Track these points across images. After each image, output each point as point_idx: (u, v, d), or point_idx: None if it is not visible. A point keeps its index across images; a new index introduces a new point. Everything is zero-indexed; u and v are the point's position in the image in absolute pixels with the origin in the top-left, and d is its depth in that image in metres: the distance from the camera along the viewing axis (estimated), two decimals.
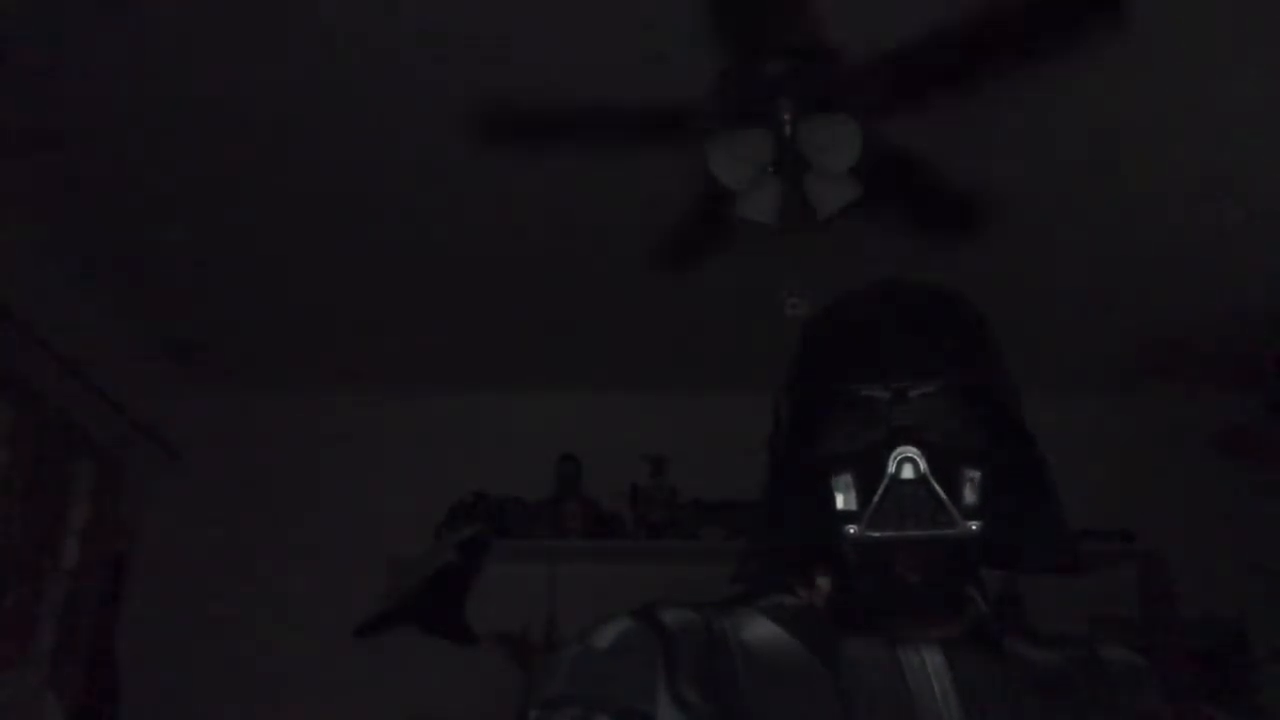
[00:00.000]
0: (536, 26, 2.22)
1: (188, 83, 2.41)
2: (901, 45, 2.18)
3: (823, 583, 0.97)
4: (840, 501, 0.91)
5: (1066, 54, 2.24)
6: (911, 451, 0.88)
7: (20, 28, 2.23)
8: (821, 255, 2.86)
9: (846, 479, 0.91)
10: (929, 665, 0.89)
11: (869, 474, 0.89)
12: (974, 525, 0.88)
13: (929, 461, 0.88)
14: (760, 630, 0.93)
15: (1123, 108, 2.48)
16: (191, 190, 2.82)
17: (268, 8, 2.20)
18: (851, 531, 0.89)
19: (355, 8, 2.20)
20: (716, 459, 3.45)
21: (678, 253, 2.82)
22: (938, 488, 0.88)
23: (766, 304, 3.19)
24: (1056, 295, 3.30)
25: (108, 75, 2.38)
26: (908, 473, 0.88)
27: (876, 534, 0.88)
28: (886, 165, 2.41)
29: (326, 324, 3.55)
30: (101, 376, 3.18)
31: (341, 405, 3.84)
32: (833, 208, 2.33)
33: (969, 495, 0.89)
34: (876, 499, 0.88)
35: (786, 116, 2.25)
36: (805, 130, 2.21)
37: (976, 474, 0.90)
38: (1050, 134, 2.56)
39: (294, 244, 3.08)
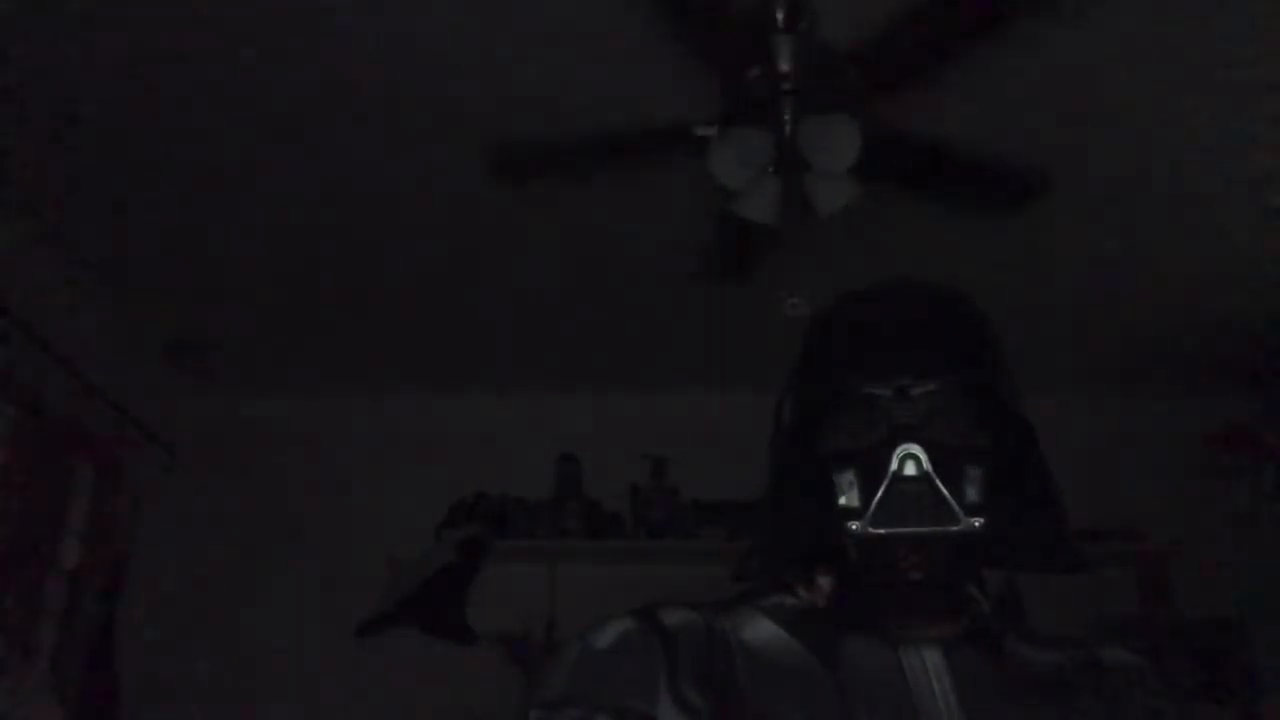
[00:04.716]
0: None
1: (188, 82, 2.41)
2: (882, 28, 2.18)
3: (824, 582, 0.97)
4: (843, 499, 0.91)
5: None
6: (914, 449, 0.88)
7: (21, 24, 2.23)
8: (821, 255, 2.87)
9: (849, 476, 0.91)
10: (929, 665, 0.89)
11: (872, 471, 0.89)
12: (976, 522, 0.88)
13: (931, 459, 0.88)
14: (761, 630, 0.93)
15: (1122, 110, 2.48)
16: (192, 190, 2.82)
17: (276, 9, 2.20)
18: (854, 528, 0.89)
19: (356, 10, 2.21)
20: (716, 459, 3.45)
21: (723, 265, 2.81)
22: (940, 485, 0.88)
23: (766, 304, 3.20)
24: (1056, 295, 3.31)
25: (108, 75, 2.38)
26: (910, 470, 0.88)
27: (879, 530, 0.88)
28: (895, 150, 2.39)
29: (327, 324, 3.55)
30: (101, 376, 3.19)
31: (341, 405, 3.84)
32: (833, 208, 2.33)
33: (971, 492, 0.89)
34: (879, 495, 0.88)
35: (786, 116, 2.25)
36: (805, 130, 2.21)
37: (979, 471, 0.90)
38: (1050, 130, 2.56)
39: (294, 244, 3.08)
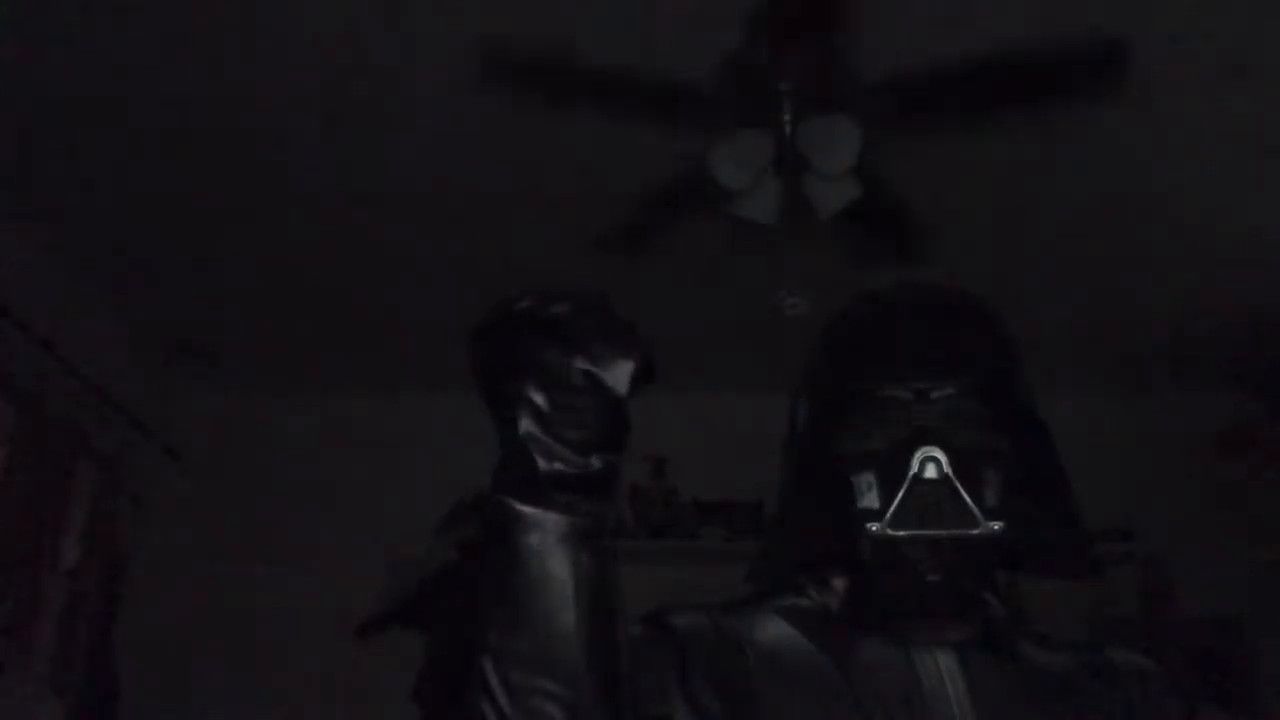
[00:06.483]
0: None
1: (187, 83, 2.41)
2: (910, 72, 2.19)
3: (839, 584, 0.97)
4: (862, 500, 0.90)
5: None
6: (935, 451, 0.87)
7: (21, 25, 2.23)
8: (822, 255, 2.87)
9: (869, 478, 0.90)
10: (943, 668, 0.89)
11: (892, 473, 0.88)
12: (996, 526, 0.88)
13: (952, 462, 0.87)
14: (774, 630, 0.93)
15: (1124, 110, 2.48)
16: (192, 191, 2.82)
17: (274, 12, 2.20)
18: (874, 529, 0.88)
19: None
20: (716, 459, 3.45)
21: (632, 235, 2.79)
22: (961, 488, 0.87)
23: (766, 304, 3.20)
24: (1056, 295, 3.30)
25: (108, 76, 2.38)
26: (931, 472, 0.87)
27: (899, 532, 0.87)
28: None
29: (328, 324, 3.55)
30: (101, 377, 3.18)
31: (342, 405, 3.84)
32: (833, 208, 2.32)
33: (991, 496, 0.89)
34: (900, 498, 0.87)
35: (786, 116, 2.25)
36: (805, 130, 2.21)
37: (997, 475, 0.90)
38: (1053, 143, 2.56)
39: (294, 244, 3.08)
